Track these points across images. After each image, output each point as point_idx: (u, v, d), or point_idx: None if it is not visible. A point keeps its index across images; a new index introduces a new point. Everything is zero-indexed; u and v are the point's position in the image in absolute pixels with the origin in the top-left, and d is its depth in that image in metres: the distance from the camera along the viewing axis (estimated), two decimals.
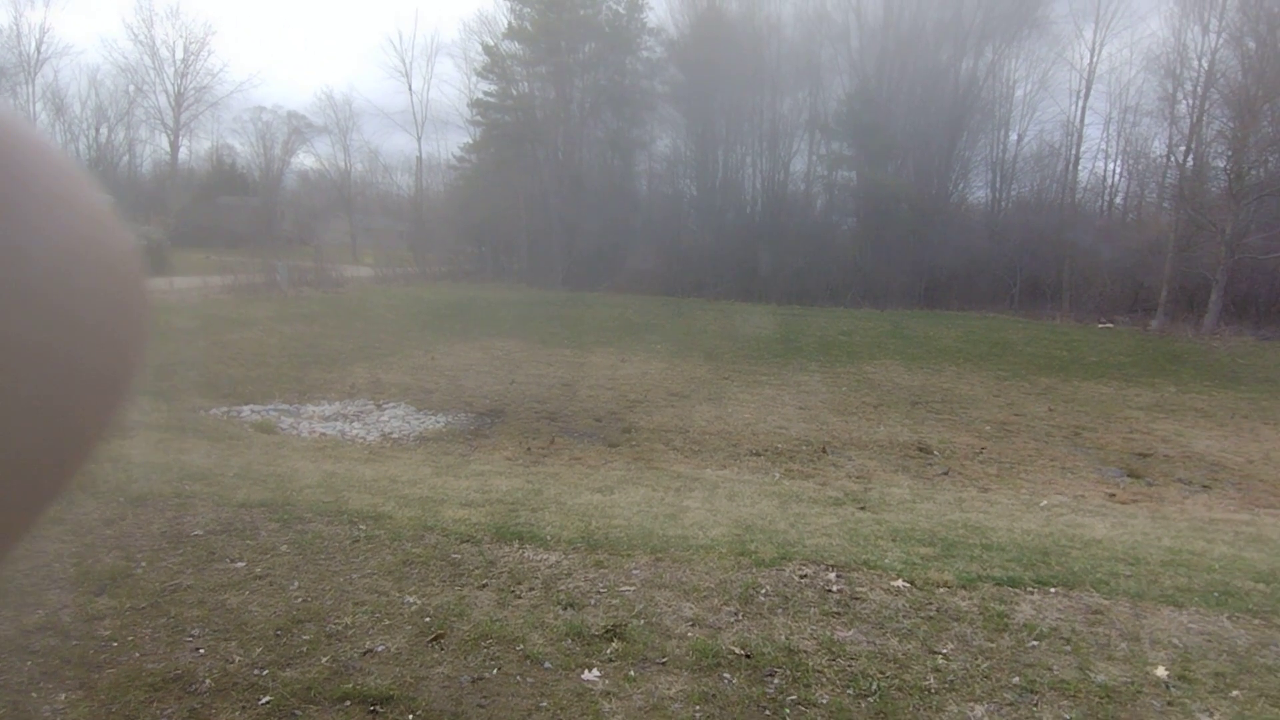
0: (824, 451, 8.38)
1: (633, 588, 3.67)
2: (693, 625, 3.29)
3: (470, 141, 37.59)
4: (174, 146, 41.50)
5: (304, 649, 2.96)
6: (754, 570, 3.94)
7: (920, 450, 8.67)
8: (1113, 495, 7.21)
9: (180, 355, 12.32)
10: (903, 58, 31.94)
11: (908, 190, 29.57)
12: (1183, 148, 26.96)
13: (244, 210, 40.52)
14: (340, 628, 3.14)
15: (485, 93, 36.12)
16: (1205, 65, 26.29)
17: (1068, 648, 3.24)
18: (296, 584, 3.55)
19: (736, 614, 3.43)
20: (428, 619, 3.24)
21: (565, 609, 3.42)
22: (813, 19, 33.78)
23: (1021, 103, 32.41)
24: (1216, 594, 3.98)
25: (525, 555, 4.05)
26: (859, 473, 7.53)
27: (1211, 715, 2.81)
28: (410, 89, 40.49)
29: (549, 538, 4.34)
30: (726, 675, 2.89)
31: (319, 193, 42.99)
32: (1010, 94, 32.34)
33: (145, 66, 40.53)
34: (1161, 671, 3.09)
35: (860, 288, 27.11)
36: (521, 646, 3.05)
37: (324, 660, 2.89)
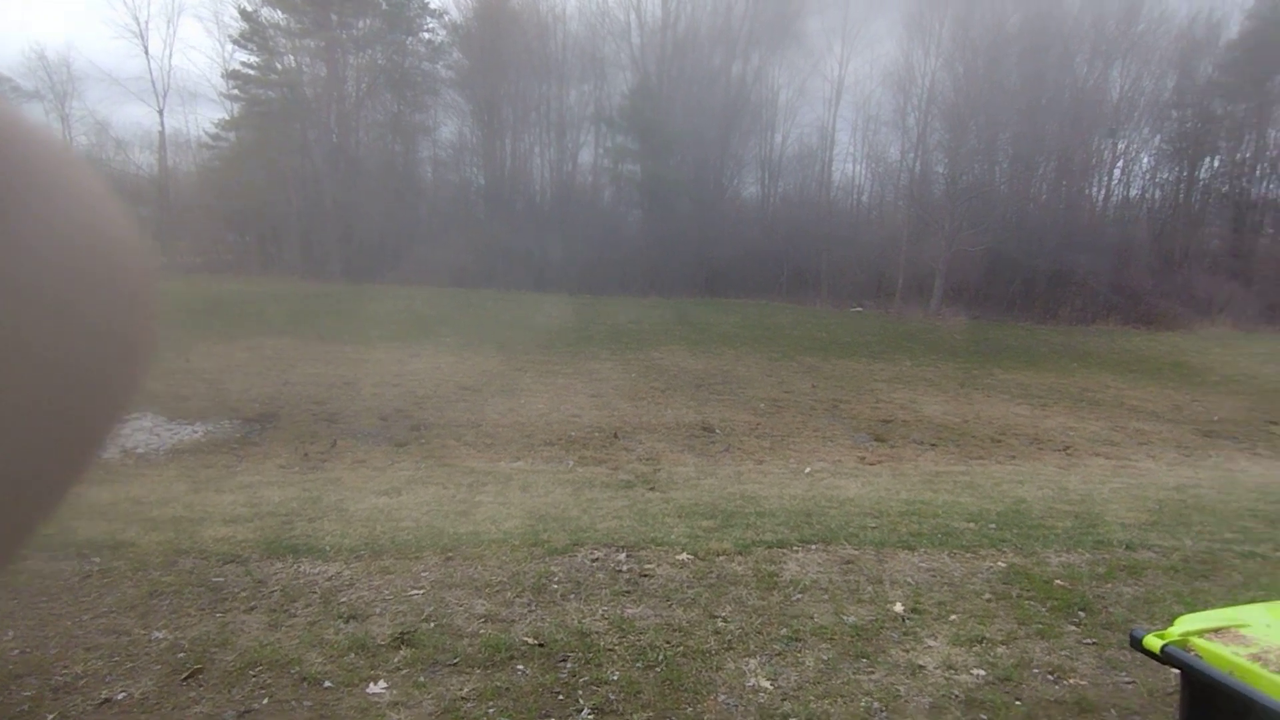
0: (615, 437, 8.63)
1: (422, 591, 3.54)
2: (485, 621, 3.25)
3: (227, 118, 33.58)
4: None
5: (24, 708, 2.51)
6: (547, 559, 3.98)
7: (704, 430, 9.24)
8: (863, 458, 8.20)
9: None
10: (680, 58, 33.57)
11: (688, 185, 31.21)
12: (912, 154, 31.19)
13: None
14: (69, 679, 2.70)
15: (243, 63, 32.43)
16: (927, 84, 30.60)
17: (825, 596, 3.64)
18: (11, 634, 2.99)
19: (530, 604, 3.44)
20: (181, 654, 2.88)
21: (347, 622, 3.22)
22: (595, 14, 34.45)
23: (784, 107, 35.46)
24: (940, 535, 4.68)
25: (301, 570, 3.75)
26: (649, 455, 7.86)
27: (935, 638, 3.30)
28: (146, 52, 34.87)
29: (328, 548, 4.05)
30: (520, 667, 2.89)
31: None
32: (775, 98, 35.24)
33: None
34: (899, 607, 3.58)
35: (647, 278, 28.21)
36: (297, 669, 2.82)
37: (50, 718, 2.47)
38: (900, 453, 8.69)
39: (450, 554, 3.99)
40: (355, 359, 13.56)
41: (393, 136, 34.71)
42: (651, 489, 5.99)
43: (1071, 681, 3.00)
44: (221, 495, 5.48)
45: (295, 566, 3.78)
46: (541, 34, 33.84)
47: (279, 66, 32.57)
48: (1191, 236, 30.22)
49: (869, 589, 3.77)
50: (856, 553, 4.27)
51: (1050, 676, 3.03)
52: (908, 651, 3.15)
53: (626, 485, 6.13)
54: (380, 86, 33.85)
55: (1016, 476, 7.26)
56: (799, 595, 3.65)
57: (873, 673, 2.97)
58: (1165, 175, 31.83)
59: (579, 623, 3.26)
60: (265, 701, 2.61)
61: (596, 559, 4.01)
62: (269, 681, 2.73)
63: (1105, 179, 32.16)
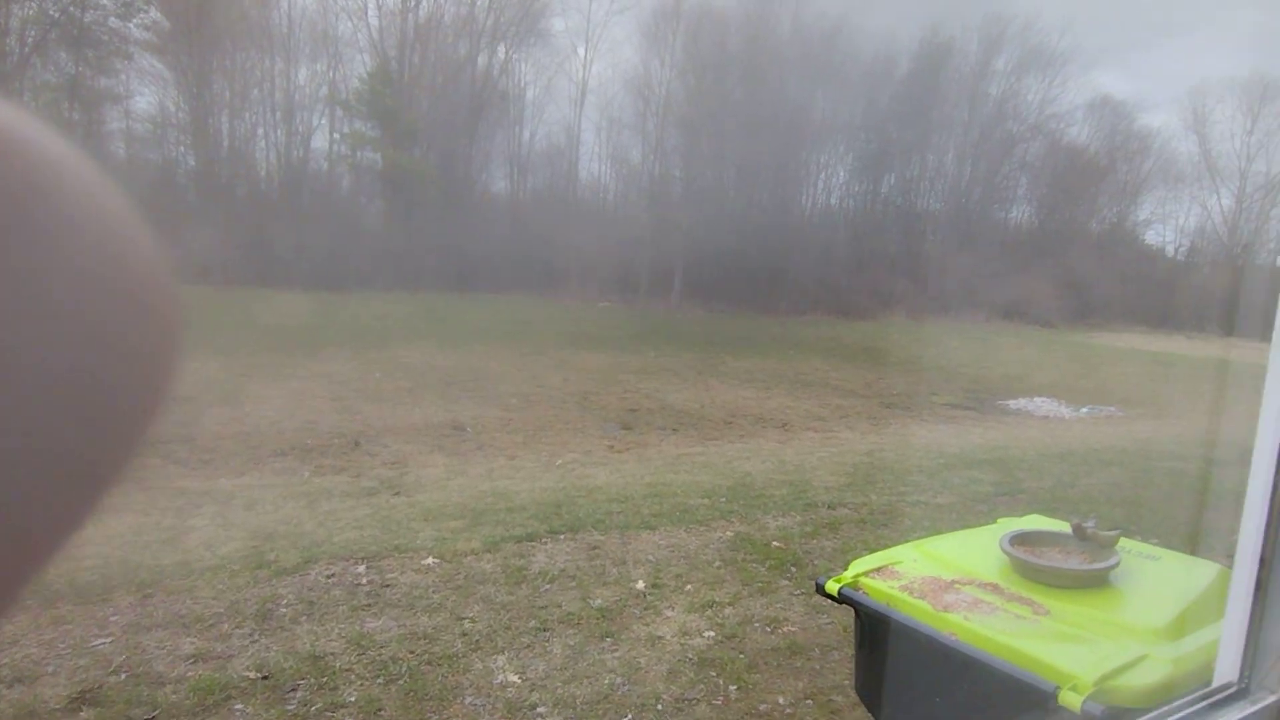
0: (358, 442, 8.09)
1: (110, 638, 3.01)
2: (195, 662, 2.86)
3: None
4: None
5: None
6: (274, 581, 3.61)
7: (454, 428, 9.00)
8: (612, 447, 8.55)
9: None
10: (423, 44, 32.25)
11: (434, 176, 30.14)
12: (652, 158, 33.12)
13: None
14: None
15: None
16: (664, 92, 32.65)
17: (573, 584, 3.74)
18: None
19: (253, 634, 3.09)
20: None
21: (10, 687, 2.65)
22: None
23: (532, 104, 35.65)
24: (678, 513, 5.04)
25: None
26: (395, 459, 7.47)
27: (673, 608, 3.55)
28: None
29: None
30: (239, 706, 2.59)
31: None
32: (523, 95, 35.29)
33: None
34: (641, 584, 3.79)
35: (392, 272, 26.78)
36: None
37: None
38: (646, 439, 9.20)
39: (149, 591, 3.45)
40: None
41: (70, 103, 29.03)
42: (397, 494, 5.70)
43: (785, 630, 3.40)
44: None
45: None
46: (262, 1, 30.45)
47: None
48: (876, 241, 35.78)
49: (614, 571, 3.94)
50: (603, 538, 4.44)
51: (768, 628, 3.40)
52: (648, 625, 3.34)
53: (369, 492, 5.77)
54: (54, 42, 28.09)
55: (744, 454, 8.05)
56: (547, 586, 3.70)
57: (616, 650, 3.11)
58: (857, 188, 37.33)
59: (312, 646, 3.00)
60: None
61: (332, 574, 3.72)
62: None
63: (812, 188, 36.91)
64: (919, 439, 9.74)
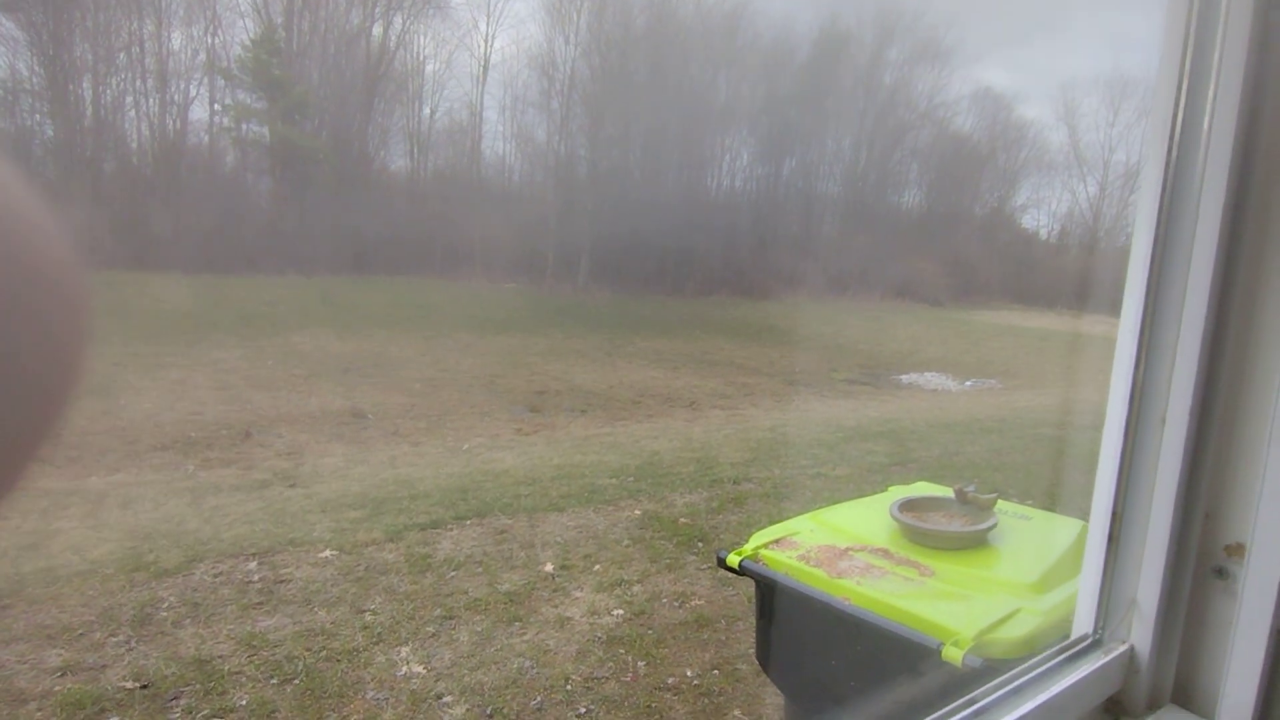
0: (249, 433, 7.65)
1: None
2: (63, 675, 2.64)
3: None
4: None
5: None
6: (154, 584, 3.38)
7: (354, 416, 8.66)
8: (520, 430, 8.45)
9: None
10: (313, 12, 30.45)
11: (327, 153, 28.68)
12: (558, 138, 32.67)
13: None
14: None
15: None
16: (569, 70, 32.20)
17: (480, 569, 3.68)
18: None
19: (129, 641, 2.89)
20: None
21: None
22: None
23: (432, 79, 34.35)
24: (586, 494, 5.04)
25: None
26: (290, 449, 7.12)
27: (582, 589, 3.55)
28: None
29: None
30: (115, 719, 2.41)
31: None
32: (422, 69, 33.93)
33: None
34: (549, 567, 3.77)
35: (282, 254, 25.37)
36: None
37: None
38: (554, 421, 9.14)
39: (6, 602, 3.16)
40: None
41: None
42: (292, 486, 5.44)
43: (693, 604, 3.46)
44: None
45: None
46: None
47: None
48: (778, 222, 36.75)
49: (522, 555, 3.90)
50: (510, 522, 4.39)
51: (676, 603, 3.46)
52: (557, 607, 3.34)
53: (261, 485, 5.48)
54: None
55: (653, 433, 8.13)
56: (453, 573, 3.63)
57: (524, 634, 3.08)
58: (759, 171, 38.13)
59: (197, 650, 2.83)
60: None
61: (220, 573, 3.51)
62: None
63: (716, 170, 37.45)
64: (819, 414, 10.12)
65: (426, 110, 34.73)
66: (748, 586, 3.64)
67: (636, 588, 3.58)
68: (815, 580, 1.94)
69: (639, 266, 30.27)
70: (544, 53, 32.86)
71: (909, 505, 2.26)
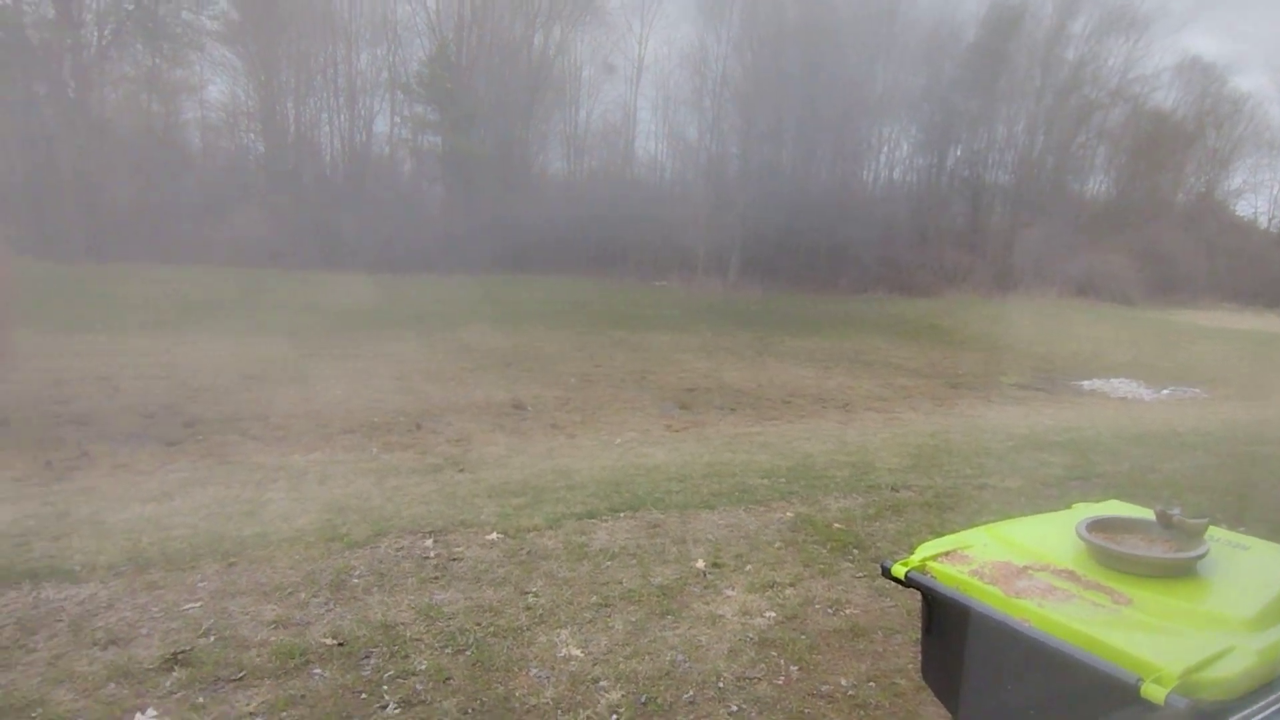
0: (422, 421, 8.31)
1: (199, 603, 3.19)
2: (276, 627, 3.01)
3: None
4: None
5: None
6: (347, 553, 3.76)
7: (515, 407, 9.16)
8: (670, 426, 8.57)
9: None
10: (480, 26, 32.45)
11: (492, 158, 30.44)
12: (709, 135, 32.72)
13: None
14: None
15: None
16: (721, 68, 32.14)
17: (634, 561, 3.78)
18: None
19: (328, 603, 3.23)
20: None
21: (105, 649, 2.83)
22: None
23: (588, 83, 35.58)
24: (737, 493, 5.03)
25: (42, 596, 3.24)
26: (458, 437, 7.65)
27: (734, 588, 3.55)
28: None
29: (78, 568, 3.53)
30: (317, 670, 2.71)
31: None
32: (578, 74, 35.24)
33: None
34: (701, 564, 3.80)
35: (452, 254, 27.25)
36: (40, 710, 2.44)
37: None
38: (703, 418, 9.18)
39: (233, 559, 3.64)
40: (109, 350, 11.83)
41: (147, 94, 30.31)
42: (461, 471, 5.84)
43: (847, 612, 3.37)
44: None
45: (34, 593, 3.25)
46: None
47: None
48: (941, 215, 34.66)
49: (674, 550, 3.96)
50: (662, 516, 4.46)
51: (830, 610, 3.37)
52: (708, 604, 3.36)
53: (434, 469, 5.93)
54: (129, 35, 29.33)
55: (804, 434, 7.97)
56: (608, 563, 3.75)
57: (677, 628, 3.13)
58: (920, 161, 36.13)
59: (383, 616, 3.12)
60: None
61: (401, 548, 3.85)
62: None
63: (873, 163, 35.92)
64: (986, 420, 9.45)
65: (583, 114, 35.99)
66: (907, 599, 3.49)
67: (789, 591, 3.53)
68: (990, 598, 1.82)
69: (790, 263, 29.69)
70: (696, 51, 33.00)
71: (1100, 525, 2.07)
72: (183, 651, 2.80)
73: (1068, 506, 2.47)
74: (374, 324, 15.82)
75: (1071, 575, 1.90)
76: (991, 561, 1.96)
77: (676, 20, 47.50)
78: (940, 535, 2.26)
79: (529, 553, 3.82)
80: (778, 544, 4.11)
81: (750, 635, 3.10)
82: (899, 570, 1.98)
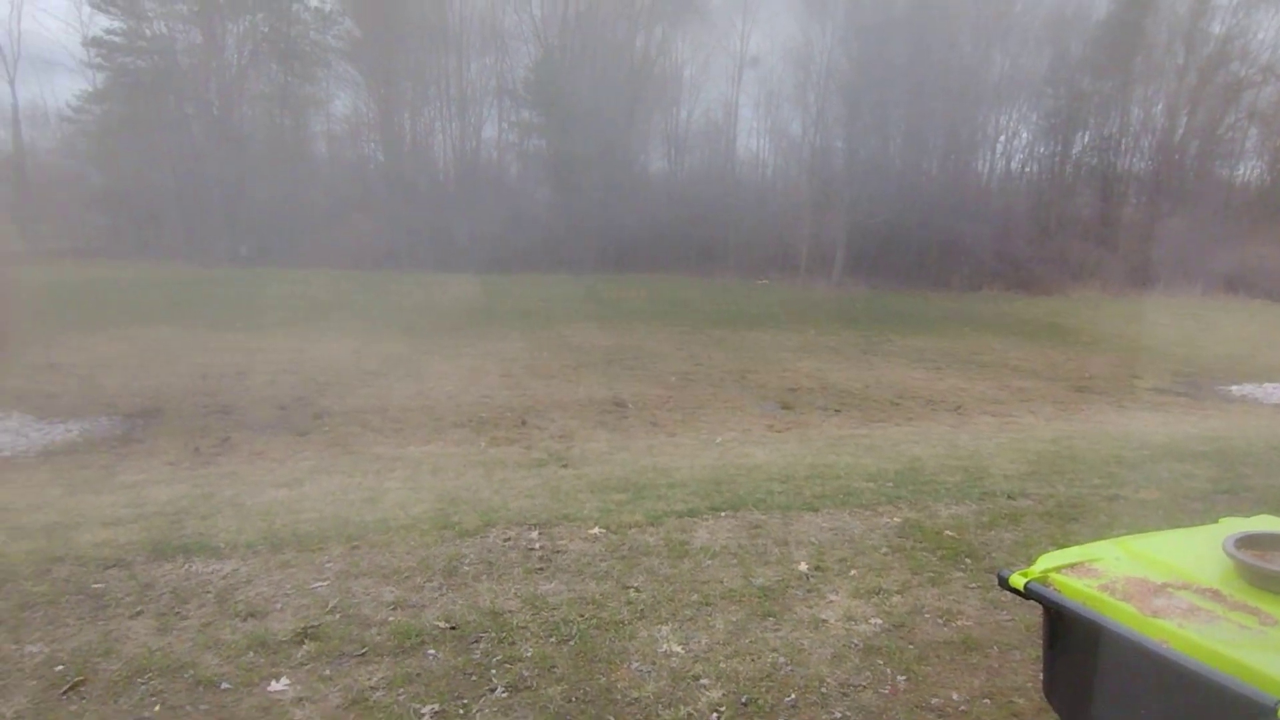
0: (527, 417, 8.57)
1: (326, 582, 3.43)
2: (394, 609, 3.19)
3: (90, 89, 30.82)
4: None
5: None
6: (458, 542, 3.93)
7: (616, 405, 9.29)
8: (771, 426, 8.45)
9: None
10: (583, 30, 33.08)
11: (595, 159, 30.95)
12: (813, 130, 32.00)
13: None
14: None
15: (106, 30, 29.79)
16: (825, 61, 31.35)
17: (734, 561, 3.75)
18: None
19: (441, 588, 3.39)
20: (60, 667, 2.70)
21: (245, 620, 3.08)
22: None
23: (689, 82, 35.59)
24: (841, 495, 4.90)
25: (193, 570, 3.56)
26: (561, 433, 7.84)
27: (837, 593, 3.47)
28: None
29: (223, 545, 3.86)
30: (431, 651, 2.86)
31: None
32: (680, 73, 35.31)
33: None
34: (803, 566, 3.74)
35: (555, 254, 27.94)
36: (191, 672, 2.69)
37: None
38: (806, 419, 9.01)
39: (356, 543, 3.88)
40: (248, 347, 12.87)
41: (281, 110, 32.76)
42: (564, 466, 5.99)
43: (959, 623, 3.22)
44: (100, 497, 5.11)
45: (186, 566, 3.59)
46: (438, 3, 32.60)
47: (147, 33, 30.09)
48: (1065, 206, 32.42)
49: (775, 551, 3.91)
50: (764, 517, 4.41)
51: (940, 620, 3.23)
52: (811, 607, 3.29)
53: (539, 464, 6.10)
54: (264, 56, 31.82)
55: (913, 437, 7.67)
56: (709, 561, 3.75)
57: (779, 630, 3.09)
58: (1042, 149, 33.91)
59: (491, 603, 3.25)
60: (157, 709, 2.48)
61: (509, 538, 3.99)
62: (160, 688, 2.59)
63: (989, 153, 34.02)
64: (1117, 426, 8.79)
65: (684, 112, 36.01)
66: (1025, 613, 3.30)
67: (896, 598, 3.41)
68: (1123, 616, 1.70)
69: (898, 259, 28.60)
70: (800, 45, 32.32)
71: (1250, 542, 1.88)
72: (312, 626, 3.01)
73: (1213, 521, 2.27)
74: (482, 322, 16.44)
75: (1216, 595, 1.74)
76: (1124, 577, 1.83)
77: (780, 14, 46.62)
78: (1063, 547, 2.13)
79: (630, 548, 3.87)
80: (884, 549, 3.98)
81: (855, 641, 3.02)
82: (1018, 581, 1.88)
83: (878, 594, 3.44)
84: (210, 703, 2.52)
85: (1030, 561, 2.00)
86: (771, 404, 9.73)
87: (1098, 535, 4.32)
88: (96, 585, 3.37)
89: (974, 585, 3.56)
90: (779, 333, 16.73)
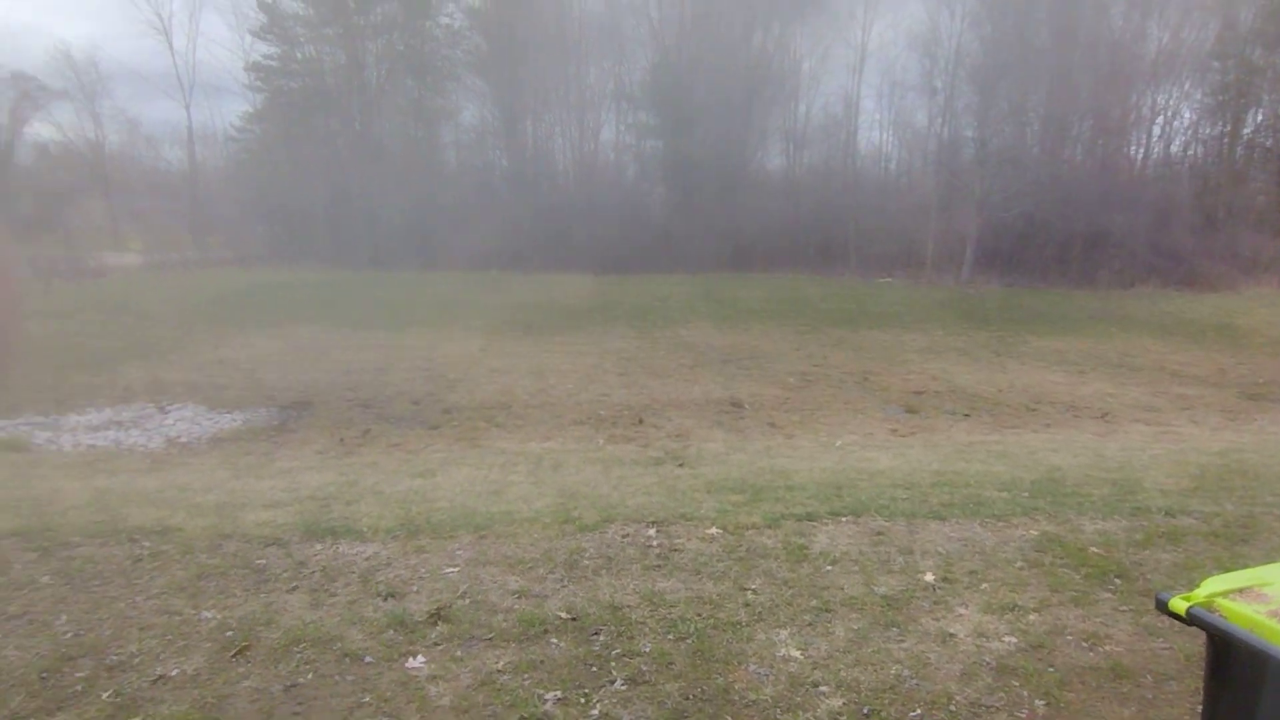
0: (644, 415, 8.67)
1: (456, 568, 3.62)
2: (519, 597, 3.32)
3: (251, 110, 34.06)
4: None
5: (79, 688, 2.64)
6: (578, 536, 4.04)
7: (733, 405, 9.24)
8: (894, 430, 8.14)
9: None
10: (700, 29, 33.05)
11: (711, 159, 30.87)
12: (940, 120, 30.48)
13: None
14: (124, 657, 2.82)
15: (264, 55, 32.83)
16: (954, 46, 29.77)
17: (856, 568, 3.65)
18: (64, 618, 3.13)
19: (562, 580, 3.50)
20: (230, 633, 3.00)
21: (385, 600, 3.31)
22: None
23: (808, 76, 34.81)
24: (971, 505, 4.65)
25: (340, 551, 3.86)
26: (678, 432, 7.89)
27: (967, 606, 3.30)
28: (171, 48, 35.36)
29: (366, 529, 4.16)
30: (554, 640, 2.96)
31: (66, 169, 36.93)
32: (798, 68, 34.60)
33: None
34: (930, 576, 3.58)
35: (672, 254, 28.08)
36: (339, 645, 2.92)
37: (105, 696, 2.59)
38: (932, 424, 8.61)
39: (483, 533, 4.07)
40: (386, 345, 13.77)
41: (415, 122, 34.84)
42: (681, 465, 6.02)
43: (1106, 648, 2.98)
44: (261, 481, 5.64)
45: (334, 548, 3.89)
46: (560, 13, 33.58)
47: (299, 56, 32.86)
48: (1235, 193, 29.15)
49: (899, 559, 3.77)
50: (887, 524, 4.26)
51: (1085, 644, 3.01)
52: (938, 620, 3.15)
53: (656, 462, 6.17)
54: (400, 72, 33.95)
55: (1051, 445, 7.16)
56: (829, 567, 3.66)
57: (903, 641, 2.98)
58: (1207, 130, 30.66)
59: (610, 597, 3.32)
60: (310, 676, 2.71)
61: (627, 534, 4.06)
62: (313, 658, 2.83)
63: (1144, 136, 31.13)
64: None
65: (802, 107, 35.24)
66: (1185, 641, 3.00)
67: (1033, 616, 3.20)
68: None
69: (1036, 254, 26.70)
70: (926, 30, 30.84)
71: None
72: (444, 609, 3.20)
73: None
74: (601, 321, 16.80)
75: None
76: None
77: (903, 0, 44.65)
78: (1231, 570, 1.92)
79: (748, 550, 3.84)
80: (1019, 564, 3.74)
81: (986, 659, 2.86)
82: (1179, 605, 1.72)
83: (1012, 610, 3.24)
84: (355, 674, 2.73)
85: (1193, 585, 1.82)
86: (895, 407, 9.36)
87: (1271, 559, 3.87)
88: (259, 560, 3.72)
89: (1125, 608, 3.29)
90: (903, 333, 16.06)
